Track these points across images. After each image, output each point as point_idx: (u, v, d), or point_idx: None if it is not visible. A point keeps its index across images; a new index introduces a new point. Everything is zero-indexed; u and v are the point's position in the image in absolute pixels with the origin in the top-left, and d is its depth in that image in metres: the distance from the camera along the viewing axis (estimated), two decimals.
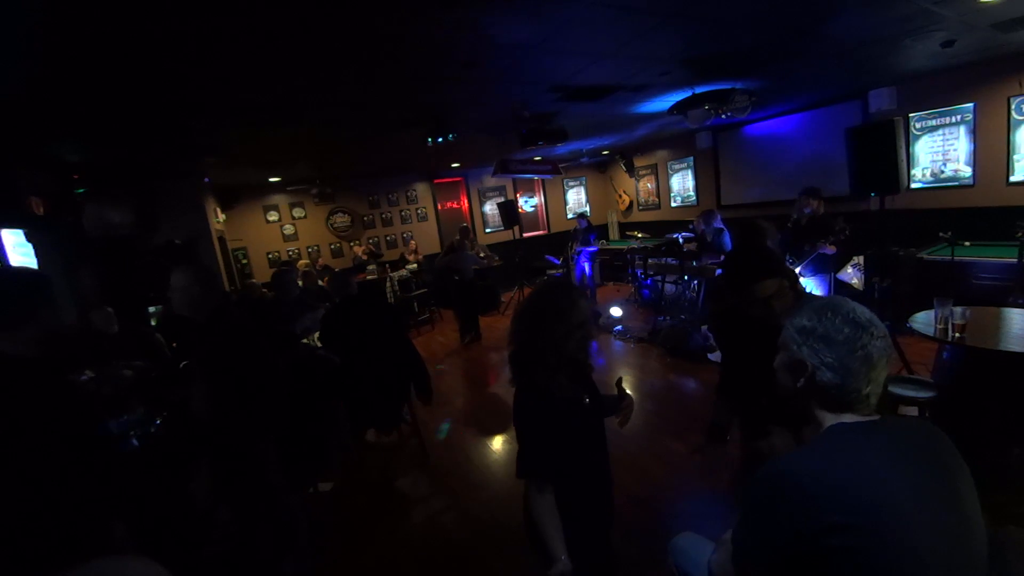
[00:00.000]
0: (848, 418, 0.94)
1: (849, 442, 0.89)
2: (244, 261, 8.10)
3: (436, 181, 9.86)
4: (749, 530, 0.94)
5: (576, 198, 11.48)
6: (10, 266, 3.10)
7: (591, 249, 8.31)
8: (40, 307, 1.45)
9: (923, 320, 2.87)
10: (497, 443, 3.96)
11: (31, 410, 1.35)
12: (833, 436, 0.93)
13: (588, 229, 8.45)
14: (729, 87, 4.73)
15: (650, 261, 6.96)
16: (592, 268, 8.49)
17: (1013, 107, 5.00)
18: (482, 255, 7.99)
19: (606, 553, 1.70)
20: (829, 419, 0.96)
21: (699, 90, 4.79)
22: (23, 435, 1.31)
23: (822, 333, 0.94)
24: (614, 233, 11.31)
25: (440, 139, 4.74)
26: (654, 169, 10.12)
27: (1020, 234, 3.71)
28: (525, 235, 9.98)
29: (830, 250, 4.45)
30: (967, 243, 4.71)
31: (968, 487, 0.89)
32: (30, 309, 1.42)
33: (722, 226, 6.10)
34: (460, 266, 6.80)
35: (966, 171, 5.47)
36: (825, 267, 4.70)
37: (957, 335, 2.57)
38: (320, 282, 6.89)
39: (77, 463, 1.42)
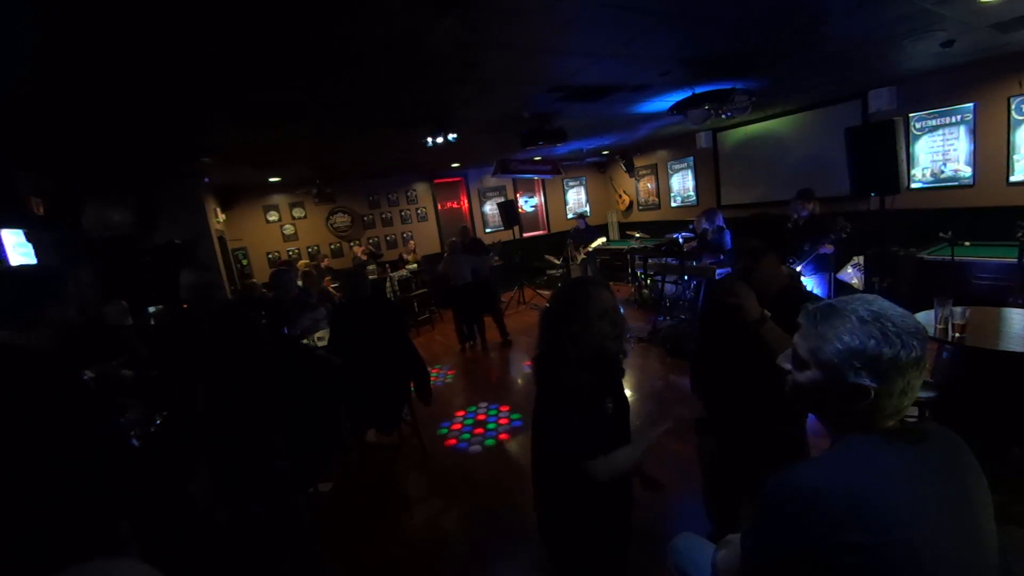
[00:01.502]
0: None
1: (869, 455, 0.85)
2: (244, 261, 8.10)
3: (436, 181, 9.86)
4: (761, 540, 0.91)
5: (576, 198, 11.48)
6: (20, 265, 3.09)
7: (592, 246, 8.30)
8: (50, 304, 1.46)
9: (923, 320, 2.84)
10: (496, 442, 3.96)
11: (49, 403, 1.35)
12: (852, 447, 0.88)
13: (587, 230, 8.46)
14: (729, 87, 4.73)
15: (650, 261, 6.96)
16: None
17: (1013, 107, 5.00)
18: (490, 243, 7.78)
19: (621, 563, 1.70)
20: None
21: (699, 90, 4.79)
22: (40, 428, 1.32)
23: (890, 358, 0.80)
24: (614, 233, 11.31)
25: (440, 139, 4.74)
26: (654, 169, 10.12)
27: (1020, 234, 3.71)
28: (525, 235, 9.99)
29: (829, 249, 4.46)
30: (967, 243, 4.71)
31: (985, 498, 0.87)
32: (39, 307, 1.43)
33: (723, 225, 6.12)
34: (450, 271, 6.50)
35: (966, 171, 5.47)
36: (825, 267, 4.70)
37: (957, 335, 2.57)
38: (324, 284, 6.89)
39: (91, 458, 1.43)
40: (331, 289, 6.91)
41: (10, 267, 2.94)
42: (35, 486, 1.30)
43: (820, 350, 0.88)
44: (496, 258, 7.97)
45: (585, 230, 8.45)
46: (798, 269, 4.45)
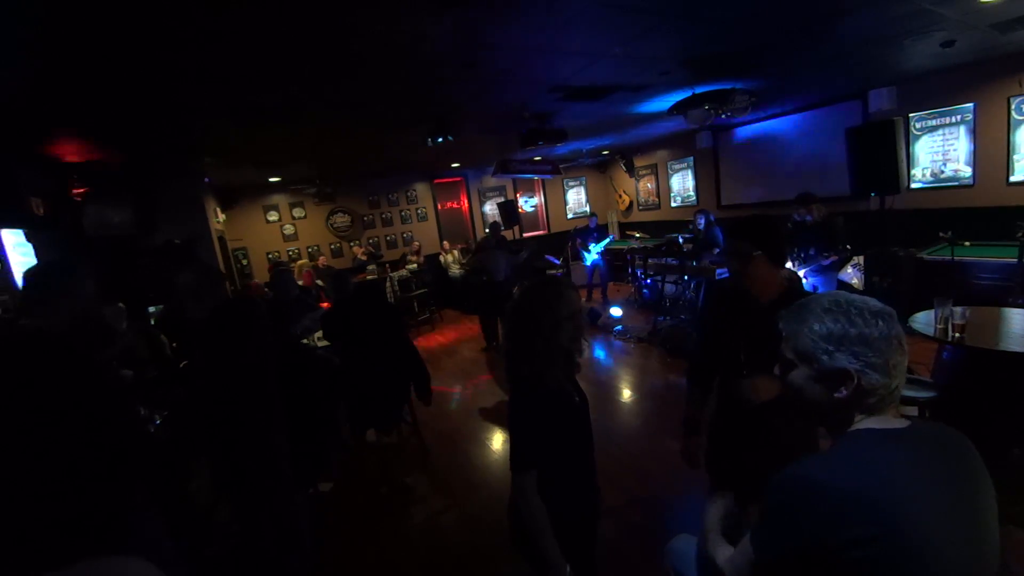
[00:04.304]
0: (873, 422, 0.90)
1: (876, 450, 0.86)
2: (244, 261, 8.10)
3: (436, 181, 9.86)
4: (769, 535, 0.91)
5: (576, 198, 11.48)
6: (47, 258, 3.23)
7: (601, 245, 8.27)
8: (67, 296, 1.61)
9: (923, 320, 2.87)
10: (497, 443, 3.96)
11: (76, 385, 1.43)
12: (859, 443, 0.88)
13: (597, 228, 8.42)
14: (729, 87, 4.74)
15: (650, 261, 6.96)
16: (605, 265, 8.37)
17: (1013, 107, 5.00)
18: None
19: (591, 554, 1.70)
20: (855, 422, 0.91)
21: (699, 90, 4.79)
22: (65, 408, 1.39)
23: (857, 335, 0.87)
24: (614, 233, 11.31)
25: (440, 139, 4.74)
26: (654, 169, 10.12)
27: (1020, 234, 3.71)
28: (525, 235, 9.98)
29: (829, 260, 4.51)
30: (967, 243, 4.71)
31: (989, 498, 0.87)
32: (58, 299, 1.59)
33: (712, 220, 6.27)
34: (489, 266, 6.28)
35: (966, 171, 5.47)
36: (831, 269, 4.73)
37: (957, 335, 2.57)
38: (319, 282, 6.89)
39: (112, 440, 1.48)
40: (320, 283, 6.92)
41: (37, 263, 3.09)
42: (60, 466, 1.34)
43: (797, 344, 0.94)
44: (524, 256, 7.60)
45: (595, 229, 8.34)
46: (801, 273, 4.47)
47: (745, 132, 8.01)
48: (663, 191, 10.06)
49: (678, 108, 5.25)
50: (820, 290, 4.66)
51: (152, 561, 1.14)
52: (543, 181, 10.90)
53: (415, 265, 8.72)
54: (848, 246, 4.49)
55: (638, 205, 10.85)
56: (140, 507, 1.57)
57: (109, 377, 1.74)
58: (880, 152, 4.03)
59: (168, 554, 1.64)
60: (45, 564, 1.12)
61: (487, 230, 7.24)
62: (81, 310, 1.62)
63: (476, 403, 4.87)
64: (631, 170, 10.42)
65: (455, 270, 9.01)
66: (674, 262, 6.19)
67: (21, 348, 1.41)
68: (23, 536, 1.27)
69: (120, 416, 1.55)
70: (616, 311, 6.99)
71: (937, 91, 5.52)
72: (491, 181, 10.32)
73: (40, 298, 1.58)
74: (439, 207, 9.97)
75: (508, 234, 8.25)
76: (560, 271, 9.05)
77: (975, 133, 5.32)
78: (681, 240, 6.54)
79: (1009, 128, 5.05)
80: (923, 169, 5.83)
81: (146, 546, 1.51)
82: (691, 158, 9.17)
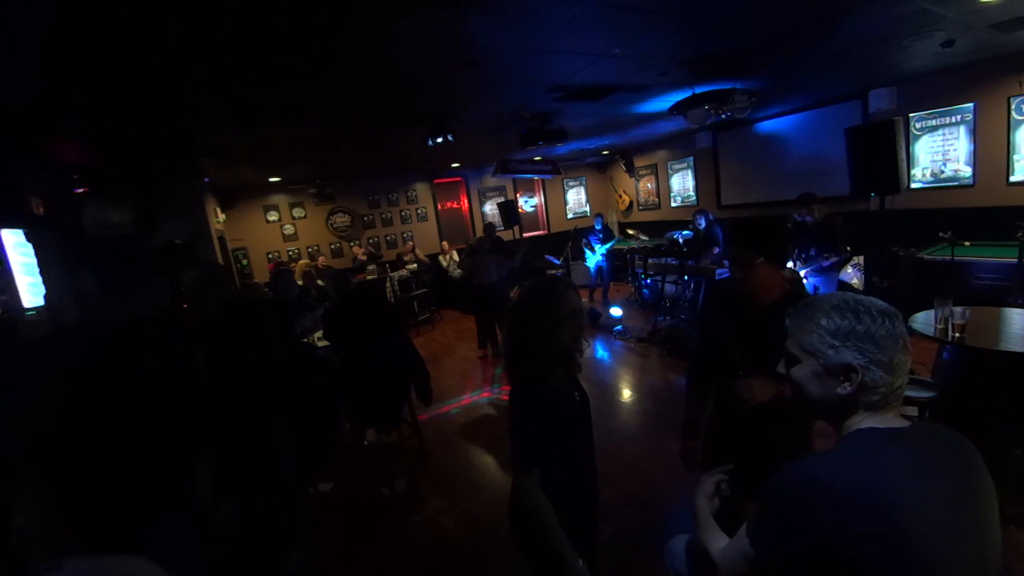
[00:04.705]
0: (875, 421, 0.91)
1: (879, 449, 0.87)
2: (244, 261, 8.10)
3: (436, 181, 9.86)
4: (771, 532, 0.91)
5: (576, 198, 11.48)
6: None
7: (607, 246, 8.23)
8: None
9: (923, 320, 2.87)
10: (497, 443, 3.96)
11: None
12: (861, 442, 0.89)
13: (603, 228, 8.39)
14: (729, 87, 4.74)
15: (650, 261, 6.96)
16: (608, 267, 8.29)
17: (1013, 107, 5.00)
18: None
19: (591, 552, 1.69)
20: (856, 422, 0.92)
21: (699, 90, 4.79)
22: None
23: (864, 331, 0.89)
24: (619, 236, 11.30)
25: (440, 139, 4.74)
26: (654, 169, 10.12)
27: (1020, 234, 3.71)
28: (525, 235, 9.97)
29: (830, 261, 4.52)
30: (967, 243, 4.72)
31: (990, 498, 0.88)
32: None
33: (712, 219, 6.27)
34: (479, 268, 6.20)
35: (966, 171, 5.47)
36: (832, 269, 4.74)
37: (957, 335, 2.57)
38: (319, 282, 6.88)
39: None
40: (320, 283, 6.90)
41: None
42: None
43: (804, 340, 0.95)
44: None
45: (600, 230, 8.29)
46: (802, 273, 4.48)
47: (745, 132, 8.00)
48: (663, 191, 10.06)
49: (678, 108, 5.26)
50: (821, 290, 4.67)
51: (168, 558, 1.15)
52: (543, 181, 10.89)
53: (415, 264, 8.72)
54: (848, 247, 4.52)
55: (638, 205, 10.85)
56: (171, 506, 1.58)
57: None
58: (880, 152, 4.03)
59: (184, 554, 1.64)
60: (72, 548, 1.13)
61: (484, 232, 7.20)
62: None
63: (476, 403, 4.87)
64: (631, 170, 10.42)
65: (455, 270, 9.01)
66: (674, 262, 6.19)
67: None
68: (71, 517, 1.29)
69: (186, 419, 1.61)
70: (616, 311, 6.99)
71: (937, 91, 5.52)
72: (491, 181, 10.31)
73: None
74: (439, 207, 9.97)
75: (507, 234, 8.22)
76: (560, 271, 9.05)
77: (975, 133, 5.32)
78: (682, 240, 6.53)
79: (1009, 128, 5.05)
80: (923, 169, 5.83)
81: (167, 544, 1.51)
82: (691, 158, 9.17)
